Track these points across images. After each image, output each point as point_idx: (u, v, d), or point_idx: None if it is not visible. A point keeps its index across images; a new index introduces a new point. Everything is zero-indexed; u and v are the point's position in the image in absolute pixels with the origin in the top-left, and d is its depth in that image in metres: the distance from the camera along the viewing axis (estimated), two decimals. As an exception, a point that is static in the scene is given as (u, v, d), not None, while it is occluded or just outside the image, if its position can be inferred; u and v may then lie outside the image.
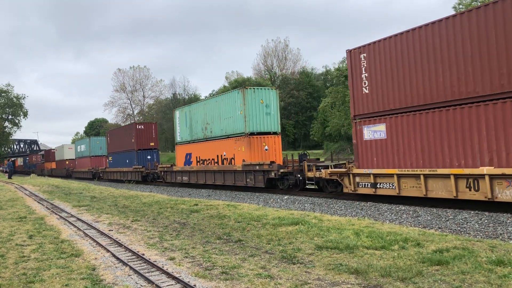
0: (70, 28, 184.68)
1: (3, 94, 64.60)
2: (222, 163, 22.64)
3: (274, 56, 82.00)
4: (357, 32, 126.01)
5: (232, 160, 21.68)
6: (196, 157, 25.39)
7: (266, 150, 20.68)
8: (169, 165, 29.00)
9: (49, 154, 72.71)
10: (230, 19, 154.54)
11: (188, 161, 26.57)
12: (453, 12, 40.41)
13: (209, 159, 24.07)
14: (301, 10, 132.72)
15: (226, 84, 77.71)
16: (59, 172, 62.81)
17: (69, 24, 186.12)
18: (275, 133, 21.36)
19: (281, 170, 18.57)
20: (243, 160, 20.42)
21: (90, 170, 47.93)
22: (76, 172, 55.02)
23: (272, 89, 21.94)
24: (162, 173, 29.95)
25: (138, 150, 35.10)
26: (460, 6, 38.54)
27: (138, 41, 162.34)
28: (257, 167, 19.59)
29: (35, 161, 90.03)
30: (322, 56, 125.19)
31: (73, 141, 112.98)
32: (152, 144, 35.84)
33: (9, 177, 53.02)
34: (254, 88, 21.18)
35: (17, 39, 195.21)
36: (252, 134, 20.54)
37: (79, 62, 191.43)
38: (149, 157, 35.15)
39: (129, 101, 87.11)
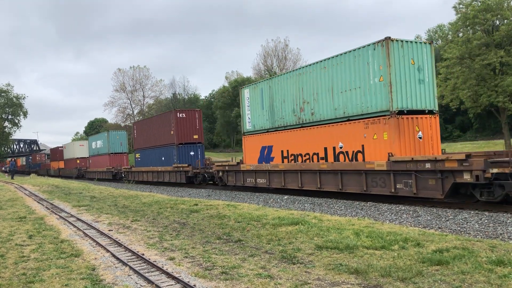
0: (70, 28, 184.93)
1: (3, 94, 64.57)
2: (336, 159, 15.53)
3: (274, 56, 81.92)
4: (357, 32, 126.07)
5: (359, 154, 14.60)
6: (283, 151, 18.45)
7: (420, 138, 13.93)
8: (234, 163, 21.98)
9: (56, 153, 66.05)
10: (230, 19, 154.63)
11: (266, 157, 19.74)
12: (453, 12, 40.30)
13: (307, 154, 17.00)
14: (301, 10, 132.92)
15: (226, 84, 77.73)
16: (69, 172, 56.50)
17: (69, 24, 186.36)
18: (431, 112, 14.28)
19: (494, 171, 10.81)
20: (390, 155, 13.22)
21: (109, 169, 41.13)
22: (91, 172, 48.15)
23: (425, 43, 14.68)
24: (221, 174, 23.34)
25: (180, 145, 28.32)
26: (461, 6, 38.52)
27: (138, 41, 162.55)
28: (427, 165, 12.07)
29: (39, 160, 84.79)
30: (322, 56, 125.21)
31: (74, 140, 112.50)
32: (196, 137, 28.99)
33: (12, 177, 52.63)
34: (402, 41, 13.80)
35: (17, 39, 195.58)
36: (401, 113, 13.58)
37: (79, 62, 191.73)
38: (192, 153, 28.60)
39: (129, 101, 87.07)
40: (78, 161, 52.48)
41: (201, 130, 29.42)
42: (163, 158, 30.36)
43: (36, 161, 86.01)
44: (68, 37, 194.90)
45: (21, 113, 66.48)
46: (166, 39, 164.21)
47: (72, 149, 55.23)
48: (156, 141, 31.54)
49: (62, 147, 62.86)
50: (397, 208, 12.81)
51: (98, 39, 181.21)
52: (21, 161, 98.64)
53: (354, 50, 14.69)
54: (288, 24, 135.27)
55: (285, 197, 17.64)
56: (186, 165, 27.24)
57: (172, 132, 28.66)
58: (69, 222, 13.36)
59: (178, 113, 28.79)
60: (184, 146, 28.53)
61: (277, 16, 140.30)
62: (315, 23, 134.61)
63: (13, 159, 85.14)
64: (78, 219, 14.00)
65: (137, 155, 35.49)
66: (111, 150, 42.39)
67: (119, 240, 10.00)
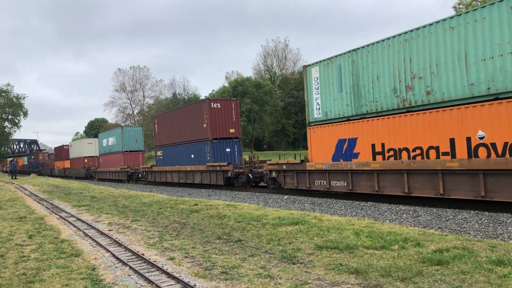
0: (69, 28, 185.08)
1: (3, 94, 64.53)
2: (473, 155, 11.17)
3: (274, 56, 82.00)
4: (357, 32, 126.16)
5: None
6: (374, 144, 14.11)
7: None
8: (296, 161, 17.56)
9: (60, 151, 61.76)
10: (230, 19, 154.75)
11: (345, 153, 15.34)
12: (453, 12, 40.38)
13: (418, 149, 12.62)
14: (300, 10, 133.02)
15: (226, 84, 77.64)
16: (75, 172, 52.03)
17: (69, 24, 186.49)
18: None
19: None
20: None
21: (124, 169, 37.02)
22: (102, 172, 44.14)
23: None
24: (274, 174, 19.14)
25: (214, 140, 24.36)
26: (460, 6, 38.54)
27: (138, 41, 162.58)
28: None
29: (41, 159, 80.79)
30: (321, 56, 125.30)
31: (74, 140, 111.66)
32: (232, 131, 24.91)
33: (14, 177, 52.32)
34: None
35: (17, 39, 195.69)
36: None
37: (79, 62, 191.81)
38: (228, 149, 24.61)
39: (129, 101, 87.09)
40: (86, 160, 48.23)
41: (238, 123, 25.25)
42: (192, 156, 26.32)
43: (38, 161, 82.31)
44: (68, 37, 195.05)
45: (21, 113, 66.42)
46: (166, 39, 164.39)
47: (80, 147, 51.04)
48: (183, 136, 27.36)
49: (67, 145, 58.73)
50: (397, 208, 12.81)
51: (98, 39, 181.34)
52: (23, 160, 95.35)
53: None
54: (288, 24, 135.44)
55: (285, 197, 17.64)
56: (226, 163, 22.62)
57: (204, 125, 24.48)
58: (69, 222, 13.36)
59: (212, 103, 24.63)
60: (219, 141, 24.37)
61: (277, 16, 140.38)
62: (315, 23, 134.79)
63: (14, 159, 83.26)
64: (78, 219, 14.01)
65: (159, 153, 31.27)
66: (126, 147, 38.25)
67: (119, 240, 10.00)
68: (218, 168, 23.10)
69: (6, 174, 72.44)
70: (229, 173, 22.23)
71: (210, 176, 24.21)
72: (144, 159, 40.15)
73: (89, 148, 49.49)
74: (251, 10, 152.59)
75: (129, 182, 36.08)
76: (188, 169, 26.38)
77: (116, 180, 39.67)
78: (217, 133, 24.49)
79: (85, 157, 49.20)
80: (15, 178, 51.01)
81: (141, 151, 39.36)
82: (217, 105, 24.86)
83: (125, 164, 37.61)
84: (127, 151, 38.42)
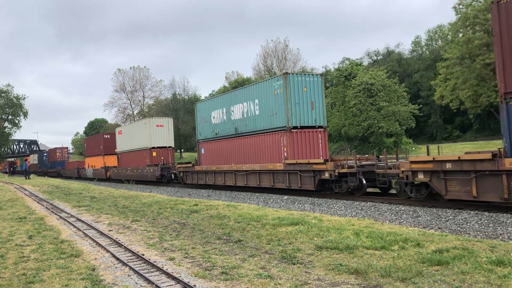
0: (68, 29, 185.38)
1: (3, 95, 64.52)
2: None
3: (274, 56, 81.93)
4: (353, 34, 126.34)
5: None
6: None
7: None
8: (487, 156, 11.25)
9: (97, 142, 43.43)
10: (228, 21, 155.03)
11: None
12: (450, 13, 40.31)
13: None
14: (297, 13, 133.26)
15: (226, 84, 77.68)
16: (136, 174, 33.60)
17: (68, 25, 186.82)
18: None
19: None
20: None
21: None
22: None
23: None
24: (421, 176, 12.57)
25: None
26: (460, 6, 38.53)
27: (136, 42, 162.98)
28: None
29: (59, 157, 62.22)
30: (319, 57, 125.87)
31: (74, 141, 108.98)
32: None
33: (27, 177, 51.69)
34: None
35: (17, 40, 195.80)
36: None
37: (78, 63, 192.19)
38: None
39: (129, 101, 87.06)
40: (154, 154, 32.14)
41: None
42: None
43: (55, 159, 63.12)
44: (67, 38, 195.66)
45: (21, 114, 66.39)
46: (165, 40, 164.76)
47: (142, 133, 33.47)
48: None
49: (109, 133, 43.74)
50: (397, 209, 12.80)
51: (96, 41, 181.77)
52: (32, 159, 79.16)
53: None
54: (285, 26, 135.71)
55: (285, 197, 17.63)
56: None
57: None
58: (69, 223, 13.36)
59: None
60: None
61: (274, 18, 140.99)
62: (312, 25, 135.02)
63: (24, 159, 75.83)
64: (78, 219, 14.00)
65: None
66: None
67: (119, 240, 10.00)
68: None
69: (6, 174, 72.27)
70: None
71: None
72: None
73: (160, 134, 32.88)
74: (249, 12, 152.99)
75: (129, 182, 35.13)
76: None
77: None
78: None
79: (153, 148, 32.36)
80: (29, 178, 50.63)
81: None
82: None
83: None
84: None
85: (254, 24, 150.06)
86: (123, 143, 37.81)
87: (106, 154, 41.55)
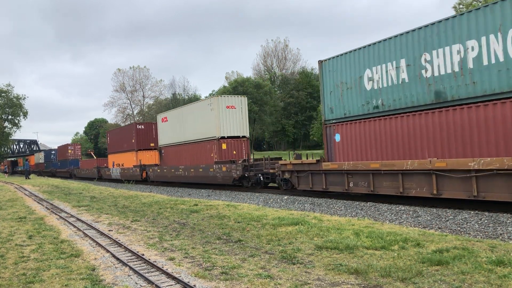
0: (68, 29, 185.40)
1: (3, 94, 64.49)
2: None
3: (274, 56, 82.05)
4: (353, 34, 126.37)
5: None
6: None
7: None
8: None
9: (128, 135, 34.52)
10: (228, 22, 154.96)
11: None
12: (453, 12, 40.35)
13: None
14: (297, 13, 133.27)
15: (226, 84, 77.66)
16: (195, 175, 24.84)
17: (68, 26, 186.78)
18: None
19: None
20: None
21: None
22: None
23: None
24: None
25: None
26: (461, 6, 38.54)
27: (136, 43, 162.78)
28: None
29: (72, 155, 54.20)
30: (319, 57, 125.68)
31: (75, 141, 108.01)
32: None
33: (27, 177, 51.57)
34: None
35: (17, 41, 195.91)
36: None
37: (78, 63, 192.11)
38: None
39: (128, 101, 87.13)
40: (224, 146, 23.39)
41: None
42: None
43: (66, 157, 54.97)
44: (66, 38, 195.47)
45: (21, 114, 66.34)
46: (164, 40, 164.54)
47: (203, 117, 24.78)
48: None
49: (142, 123, 34.71)
50: (397, 208, 12.80)
51: (96, 41, 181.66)
52: (37, 158, 72.14)
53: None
54: (285, 26, 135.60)
55: (285, 197, 17.63)
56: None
57: None
58: (69, 222, 13.36)
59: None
60: None
61: (274, 18, 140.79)
62: (312, 25, 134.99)
63: (26, 159, 74.76)
64: (78, 219, 14.00)
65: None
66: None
67: (119, 240, 10.00)
68: None
69: (6, 174, 72.28)
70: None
71: None
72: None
73: (231, 119, 23.69)
74: (249, 12, 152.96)
75: (129, 182, 33.55)
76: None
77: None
78: None
79: (222, 138, 23.31)
80: (28, 178, 50.54)
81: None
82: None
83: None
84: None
85: (254, 24, 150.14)
86: (169, 134, 28.82)
87: (140, 150, 33.41)
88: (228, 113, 23.52)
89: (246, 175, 20.91)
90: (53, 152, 63.81)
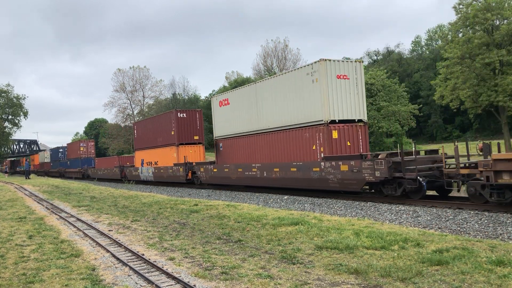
0: (68, 30, 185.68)
1: (3, 94, 64.50)
2: None
3: (274, 56, 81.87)
4: (353, 34, 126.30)
5: None
6: None
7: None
8: None
9: (166, 126, 28.18)
10: (228, 22, 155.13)
11: None
12: (449, 13, 40.27)
13: None
14: (297, 13, 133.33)
15: (226, 84, 77.69)
16: (281, 177, 17.67)
17: (67, 26, 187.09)
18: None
19: None
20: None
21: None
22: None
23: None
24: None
25: None
26: (461, 6, 38.52)
27: (136, 43, 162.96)
28: None
29: (84, 153, 47.30)
30: (319, 57, 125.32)
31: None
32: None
33: (27, 177, 51.60)
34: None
35: (16, 41, 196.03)
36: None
37: (78, 64, 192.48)
38: None
39: (128, 101, 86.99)
40: (335, 135, 16.21)
41: None
42: None
43: (78, 155, 48.44)
44: (66, 39, 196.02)
45: (21, 114, 66.33)
46: (164, 40, 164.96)
47: (295, 92, 17.48)
48: None
49: (182, 112, 27.64)
50: (397, 208, 12.80)
51: (96, 41, 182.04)
52: (41, 157, 66.05)
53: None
54: (286, 26, 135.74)
55: (285, 197, 17.62)
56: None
57: None
58: (69, 222, 13.36)
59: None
60: None
61: (274, 19, 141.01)
62: (312, 25, 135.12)
63: (26, 159, 73.34)
64: (78, 219, 14.00)
65: None
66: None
67: (119, 240, 10.00)
68: None
69: (6, 174, 72.21)
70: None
71: None
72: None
73: (342, 95, 16.55)
74: (249, 13, 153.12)
75: (129, 182, 32.95)
76: None
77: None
78: None
79: (332, 123, 16.05)
80: (28, 178, 50.52)
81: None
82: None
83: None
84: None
85: (254, 24, 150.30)
86: (233, 121, 21.87)
87: (182, 144, 27.19)
88: (339, 85, 16.38)
89: (393, 177, 13.44)
90: (61, 150, 56.74)
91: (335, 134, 16.10)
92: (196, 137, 27.52)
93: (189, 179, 25.32)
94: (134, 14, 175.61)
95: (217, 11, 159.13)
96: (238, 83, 67.78)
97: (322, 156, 16.00)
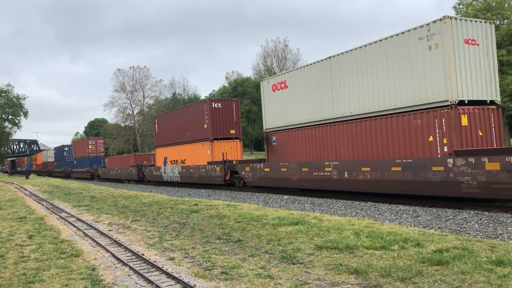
0: (68, 30, 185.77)
1: (3, 94, 64.46)
2: None
3: (274, 56, 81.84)
4: (353, 34, 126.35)
5: None
6: None
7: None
8: None
9: (197, 118, 24.72)
10: (228, 22, 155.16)
11: None
12: (453, 12, 40.34)
13: None
14: (297, 13, 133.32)
15: (226, 84, 77.67)
16: (410, 180, 12.21)
17: (67, 26, 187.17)
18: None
19: None
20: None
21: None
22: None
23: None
24: None
25: None
26: (461, 6, 38.56)
27: (136, 43, 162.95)
28: None
29: (93, 151, 43.20)
30: (319, 57, 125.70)
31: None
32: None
33: (27, 177, 51.64)
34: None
35: (16, 41, 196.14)
36: None
37: (78, 64, 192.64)
38: None
39: (128, 101, 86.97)
40: (464, 121, 12.10)
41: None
42: None
43: (86, 154, 44.51)
44: (66, 39, 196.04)
45: (21, 113, 66.25)
46: (165, 40, 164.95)
47: (387, 64, 13.54)
48: None
49: (217, 101, 24.26)
50: (397, 208, 12.80)
51: (96, 41, 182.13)
52: (45, 156, 62.00)
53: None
54: (286, 26, 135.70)
55: (285, 197, 17.62)
56: None
57: None
58: (69, 222, 13.36)
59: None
60: None
61: (274, 19, 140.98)
62: (312, 26, 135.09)
63: (28, 159, 72.18)
64: (78, 219, 14.00)
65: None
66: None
67: (119, 240, 10.00)
68: None
69: (7, 174, 72.20)
70: None
71: None
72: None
73: (473, 66, 12.38)
74: (249, 13, 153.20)
75: (129, 182, 32.72)
76: None
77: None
78: None
79: (459, 104, 11.85)
80: (28, 178, 50.52)
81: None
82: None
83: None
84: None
85: (254, 25, 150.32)
86: (294, 109, 18.06)
87: (216, 139, 23.70)
88: (466, 54, 12.38)
89: None
90: (66, 148, 52.62)
91: (464, 121, 12.08)
92: (232, 131, 23.92)
93: (228, 180, 21.72)
94: (134, 14, 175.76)
95: (217, 11, 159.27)
96: (238, 83, 67.77)
97: (445, 150, 12.03)
